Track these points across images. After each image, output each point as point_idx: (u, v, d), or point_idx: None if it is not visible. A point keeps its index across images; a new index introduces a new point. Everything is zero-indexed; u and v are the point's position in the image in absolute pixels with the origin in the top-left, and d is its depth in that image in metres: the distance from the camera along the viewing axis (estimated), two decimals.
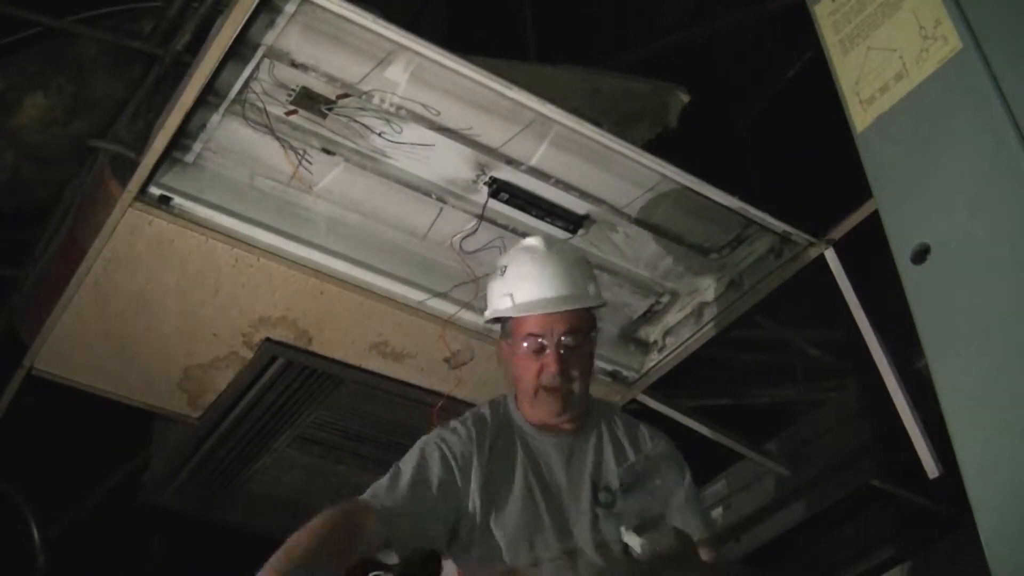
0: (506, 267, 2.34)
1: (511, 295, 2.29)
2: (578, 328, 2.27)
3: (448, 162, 2.78)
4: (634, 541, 1.97)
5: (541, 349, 2.25)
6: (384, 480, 2.18)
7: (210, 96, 2.52)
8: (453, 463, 2.21)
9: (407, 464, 2.21)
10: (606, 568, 2.17)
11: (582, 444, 2.33)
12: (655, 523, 2.00)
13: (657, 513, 2.02)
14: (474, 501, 2.20)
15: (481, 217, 2.89)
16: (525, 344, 2.26)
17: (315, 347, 3.06)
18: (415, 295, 2.97)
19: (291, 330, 3.00)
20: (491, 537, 2.20)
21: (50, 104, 2.75)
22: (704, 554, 2.20)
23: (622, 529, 2.00)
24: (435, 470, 2.19)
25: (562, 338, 2.24)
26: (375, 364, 3.14)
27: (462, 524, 2.20)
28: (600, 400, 2.52)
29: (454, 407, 2.91)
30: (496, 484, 2.23)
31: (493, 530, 2.20)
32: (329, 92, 2.60)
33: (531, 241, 2.39)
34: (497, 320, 2.36)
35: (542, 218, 2.92)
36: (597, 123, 2.74)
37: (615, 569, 2.14)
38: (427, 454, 2.23)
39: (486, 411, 2.37)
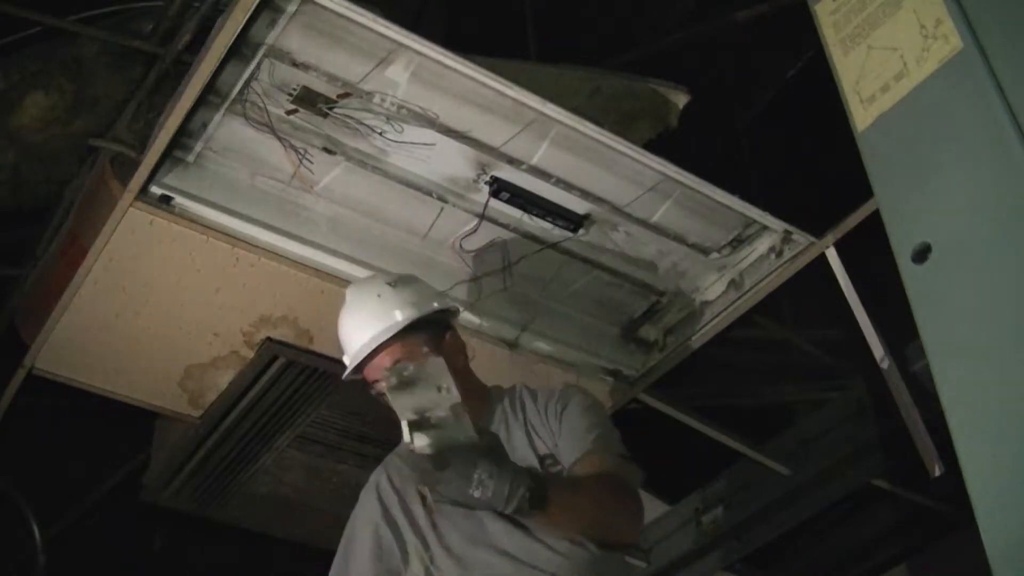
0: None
1: (346, 360, 2.35)
2: (403, 355, 2.26)
3: (449, 161, 2.79)
4: (411, 436, 1.96)
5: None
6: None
7: (211, 96, 2.52)
8: (370, 492, 2.37)
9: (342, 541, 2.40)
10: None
11: (493, 438, 2.31)
12: (437, 423, 1.98)
13: (439, 415, 1.99)
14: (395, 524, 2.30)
15: (482, 216, 2.90)
16: (374, 393, 2.31)
17: (316, 346, 3.06)
18: None
19: (292, 329, 3.00)
20: None
21: (51, 103, 2.75)
22: (584, 463, 2.18)
23: (403, 424, 1.98)
24: (359, 511, 2.37)
25: None
26: None
27: None
28: (498, 387, 2.48)
29: None
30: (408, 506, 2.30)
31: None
32: (330, 91, 2.60)
33: (347, 293, 2.41)
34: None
35: (543, 218, 2.92)
36: (598, 123, 2.74)
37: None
38: (349, 529, 2.40)
39: (403, 443, 2.40)
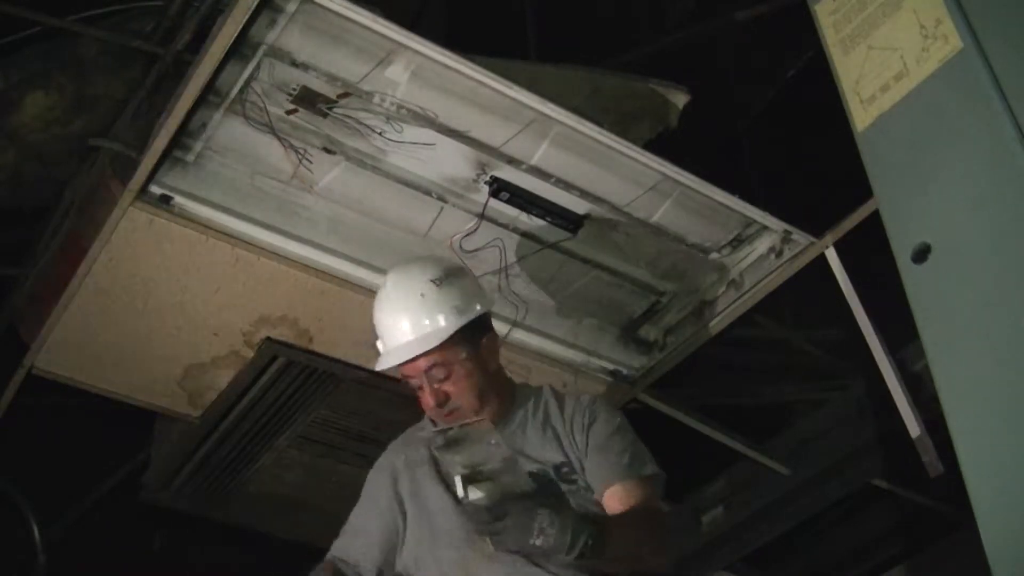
0: (372, 315, 2.35)
1: (377, 346, 2.32)
2: (441, 360, 2.24)
3: (449, 161, 2.78)
4: (464, 490, 1.98)
5: (419, 386, 2.27)
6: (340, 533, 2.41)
7: (211, 95, 2.52)
8: (383, 473, 2.40)
9: (355, 510, 2.42)
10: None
11: (507, 438, 2.30)
12: (489, 475, 2.00)
13: (491, 467, 2.00)
14: (402, 502, 2.32)
15: (482, 216, 2.90)
16: (405, 383, 2.30)
17: (316, 346, 3.06)
18: None
19: (292, 329, 3.00)
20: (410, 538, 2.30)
21: (51, 103, 2.75)
22: (619, 494, 2.19)
23: (456, 479, 1.99)
24: (369, 487, 2.41)
25: (431, 371, 2.24)
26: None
27: (398, 525, 2.32)
28: (526, 385, 2.48)
29: None
30: (418, 488, 2.31)
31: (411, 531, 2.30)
32: (330, 91, 2.60)
33: (384, 282, 2.35)
34: None
35: (543, 217, 2.92)
36: (597, 122, 2.74)
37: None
38: (368, 479, 2.43)
39: (424, 422, 2.42)
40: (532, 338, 3.18)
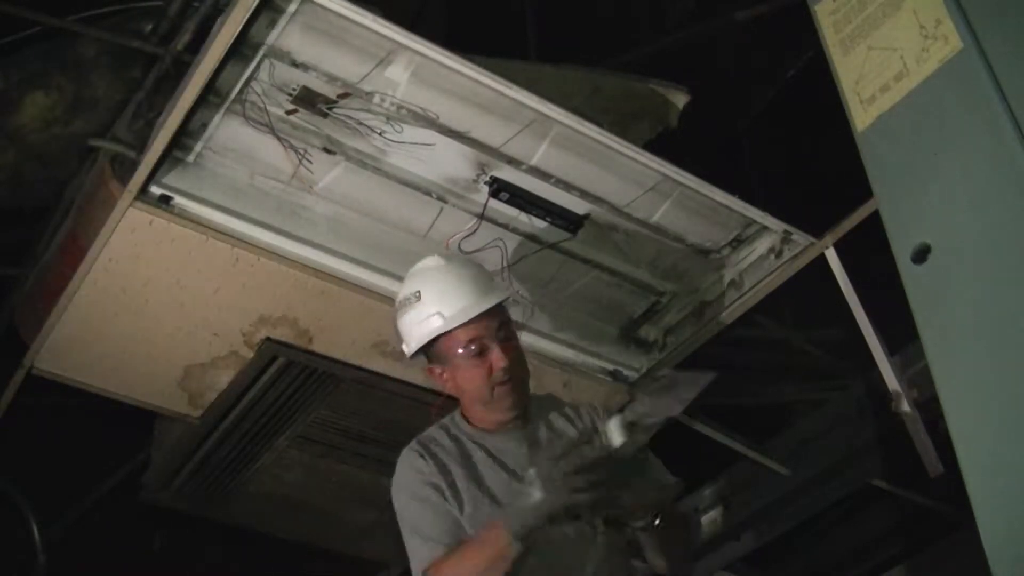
0: (419, 292, 2.32)
1: (439, 313, 2.29)
2: (505, 320, 2.34)
3: (448, 161, 2.79)
4: (614, 430, 2.07)
5: (483, 351, 2.27)
6: (419, 543, 2.24)
7: (211, 96, 2.52)
8: (441, 489, 2.27)
9: (416, 515, 2.26)
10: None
11: (535, 433, 2.36)
12: (644, 430, 2.09)
13: (651, 422, 2.10)
14: (456, 491, 2.27)
15: (481, 217, 2.90)
16: (467, 353, 2.28)
17: (315, 347, 3.06)
18: None
19: (291, 329, 3.00)
20: None
21: (50, 103, 2.75)
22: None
23: (616, 416, 2.08)
24: (423, 490, 2.28)
25: (499, 332, 2.29)
26: (376, 364, 3.14)
27: None
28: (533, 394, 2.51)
29: (454, 406, 2.90)
30: (476, 474, 2.30)
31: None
32: (330, 92, 2.60)
33: (431, 261, 2.38)
34: (418, 352, 2.34)
35: (542, 218, 2.92)
36: (597, 123, 2.74)
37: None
38: (418, 493, 2.29)
39: (435, 433, 2.40)
40: (532, 338, 3.18)
